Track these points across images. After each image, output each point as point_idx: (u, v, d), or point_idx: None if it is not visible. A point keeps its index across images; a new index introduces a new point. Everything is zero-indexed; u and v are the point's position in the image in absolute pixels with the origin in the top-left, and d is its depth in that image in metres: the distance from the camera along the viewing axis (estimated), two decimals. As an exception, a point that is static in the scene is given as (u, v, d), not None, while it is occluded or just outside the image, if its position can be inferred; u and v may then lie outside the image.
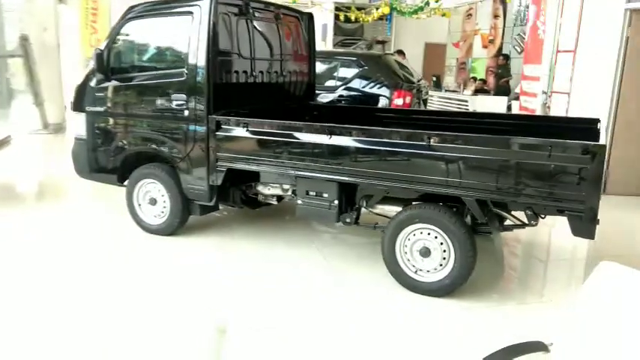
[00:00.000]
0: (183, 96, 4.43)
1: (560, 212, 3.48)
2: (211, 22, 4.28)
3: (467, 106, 12.74)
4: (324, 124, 4.03)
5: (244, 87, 4.76)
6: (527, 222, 3.66)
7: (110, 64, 4.80)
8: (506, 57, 14.33)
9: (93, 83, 4.93)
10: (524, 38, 14.87)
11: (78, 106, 5.09)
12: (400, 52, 11.73)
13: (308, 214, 4.30)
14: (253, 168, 4.33)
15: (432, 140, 3.56)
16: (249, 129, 4.24)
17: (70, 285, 3.85)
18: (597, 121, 4.70)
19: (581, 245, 4.68)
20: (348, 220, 4.17)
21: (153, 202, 4.84)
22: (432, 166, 3.58)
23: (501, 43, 16.04)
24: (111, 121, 4.91)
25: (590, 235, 3.24)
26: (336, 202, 4.07)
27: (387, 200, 4.12)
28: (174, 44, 4.58)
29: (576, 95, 7.47)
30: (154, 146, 4.72)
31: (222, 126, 4.35)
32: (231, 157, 4.35)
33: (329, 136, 3.92)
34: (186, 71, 4.41)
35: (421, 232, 3.75)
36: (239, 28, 4.64)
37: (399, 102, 7.60)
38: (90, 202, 6.21)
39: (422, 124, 5.11)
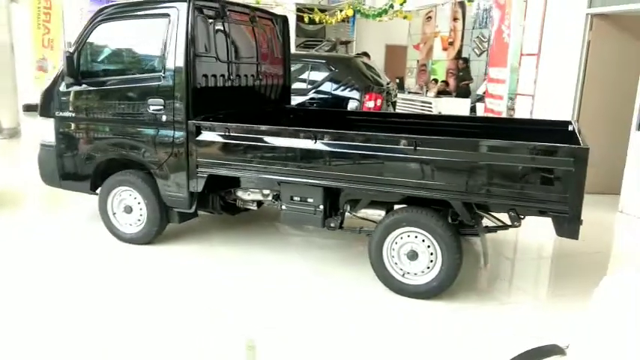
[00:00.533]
0: (161, 100, 4.32)
1: (541, 213, 3.58)
2: (189, 25, 4.19)
3: (431, 107, 12.97)
4: (310, 128, 3.99)
5: (221, 91, 4.68)
6: (510, 223, 3.73)
7: (80, 67, 4.62)
8: (466, 60, 14.67)
9: (62, 87, 4.74)
10: (483, 41, 15.31)
11: (45, 111, 4.89)
12: (366, 54, 11.80)
13: (293, 219, 4.26)
14: (236, 174, 4.27)
15: (417, 144, 3.58)
16: (232, 134, 4.16)
17: (45, 305, 3.65)
18: (568, 123, 4.84)
19: (558, 243, 4.83)
20: (332, 225, 4.14)
21: (128, 210, 4.69)
22: (418, 170, 3.61)
23: (461, 46, 16.40)
24: (82, 126, 4.73)
25: (574, 235, 3.33)
26: (322, 207, 4.06)
27: (369, 204, 4.14)
28: (150, 47, 4.45)
29: (540, 98, 7.71)
30: (129, 152, 4.57)
31: (203, 131, 4.25)
32: (212, 162, 4.26)
33: (314, 141, 3.89)
34: (163, 75, 4.29)
35: (408, 236, 3.77)
36: (216, 31, 4.55)
37: (370, 104, 7.64)
38: (55, 209, 5.97)
39: (397, 128, 5.12)
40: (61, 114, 4.78)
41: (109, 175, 4.78)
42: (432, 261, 3.72)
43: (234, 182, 4.56)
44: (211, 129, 4.25)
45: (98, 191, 4.86)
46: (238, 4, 4.96)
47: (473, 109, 11.07)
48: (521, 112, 7.99)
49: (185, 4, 4.18)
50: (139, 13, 4.50)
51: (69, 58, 4.51)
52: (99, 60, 4.66)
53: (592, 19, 6.92)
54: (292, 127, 5.39)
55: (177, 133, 4.31)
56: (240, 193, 4.66)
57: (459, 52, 16.48)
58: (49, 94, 4.84)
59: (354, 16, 14.66)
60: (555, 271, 4.66)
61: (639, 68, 6.70)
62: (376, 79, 8.21)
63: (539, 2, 7.57)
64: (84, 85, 4.65)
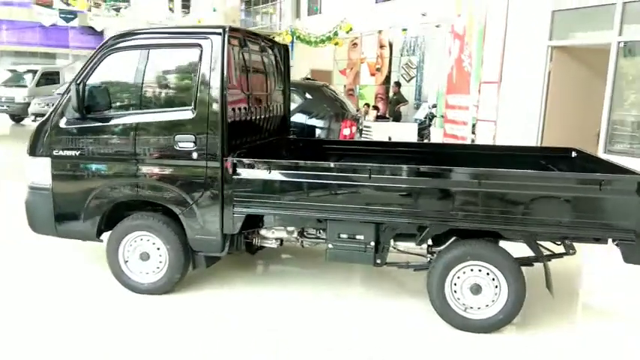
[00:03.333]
0: (191, 137, 3.96)
1: (596, 240, 3.72)
2: (224, 57, 3.91)
3: (370, 132, 13.21)
4: (364, 163, 3.86)
5: (243, 124, 4.41)
6: (565, 251, 3.82)
7: (86, 100, 4.12)
8: (399, 84, 15.18)
9: (63, 123, 4.20)
10: (411, 67, 16.00)
11: (37, 149, 4.30)
12: (308, 79, 11.78)
13: (341, 257, 4.07)
14: (276, 212, 4.01)
15: (481, 178, 3.59)
16: (276, 171, 3.91)
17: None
18: (571, 150, 5.10)
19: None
20: (379, 262, 4.02)
21: (145, 257, 4.23)
22: (485, 203, 3.61)
23: (389, 72, 17.01)
24: (88, 166, 4.21)
25: None
26: (372, 243, 3.92)
27: (408, 236, 4.07)
28: (177, 79, 4.09)
29: (502, 123, 8.14)
30: (148, 194, 4.14)
31: (239, 168, 3.96)
32: (250, 201, 3.97)
33: (369, 176, 3.76)
34: (194, 109, 3.95)
35: (472, 270, 3.74)
36: (239, 62, 4.30)
37: (346, 132, 7.60)
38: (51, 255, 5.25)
39: (420, 158, 5.12)
40: (60, 153, 4.23)
41: (115, 218, 4.30)
42: (496, 294, 3.72)
43: (259, 220, 4.29)
44: (250, 166, 3.97)
45: (103, 237, 4.35)
46: (253, 33, 4.73)
47: (422, 133, 11.42)
48: (483, 137, 8.38)
49: (219, 36, 3.91)
50: (162, 42, 4.11)
51: (77, 91, 4.01)
52: (110, 93, 4.17)
53: (552, 50, 7.47)
54: (303, 159, 5.30)
55: (211, 171, 3.97)
56: (264, 232, 4.38)
57: (387, 77, 17.08)
58: (43, 130, 4.27)
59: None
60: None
61: (597, 97, 7.32)
62: (344, 106, 8.21)
63: (498, 33, 8.04)
64: (90, 121, 4.15)
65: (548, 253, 3.99)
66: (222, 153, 3.95)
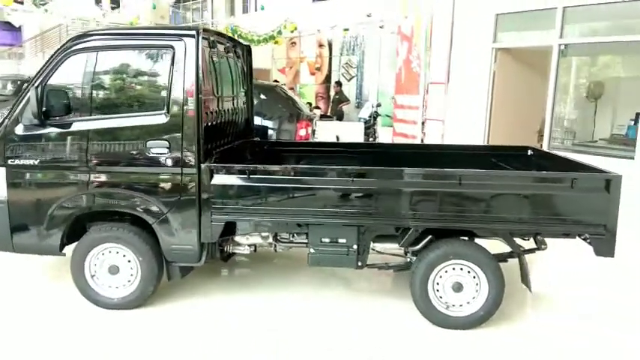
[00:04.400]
0: (165, 142, 3.78)
1: (565, 235, 3.92)
2: (199, 59, 3.76)
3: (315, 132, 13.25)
4: (346, 166, 3.85)
5: (213, 128, 4.27)
6: (537, 247, 3.99)
7: (44, 105, 3.83)
8: (340, 84, 15.31)
9: (19, 130, 3.88)
10: (351, 67, 16.19)
11: (-14, 159, 3.96)
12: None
13: (323, 261, 4.04)
14: (257, 219, 3.91)
15: (461, 179, 3.68)
16: (255, 176, 3.82)
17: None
18: (527, 148, 5.34)
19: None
20: (360, 264, 4.02)
21: (114, 270, 4.00)
22: (469, 204, 3.70)
23: (329, 71, 17.13)
24: (49, 175, 3.92)
25: (611, 253, 3.69)
26: (355, 246, 3.92)
27: (385, 238, 4.11)
28: (147, 83, 3.90)
29: (450, 122, 8.40)
30: (117, 204, 3.91)
31: (217, 174, 3.83)
32: (229, 209, 3.85)
33: (351, 179, 3.76)
34: (167, 113, 3.78)
35: (453, 268, 3.83)
36: (209, 64, 4.16)
37: (302, 133, 7.57)
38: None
39: (385, 159, 5.16)
40: (15, 162, 3.91)
41: (77, 230, 4.04)
42: (477, 291, 3.82)
43: (233, 227, 4.17)
44: (228, 171, 3.85)
45: (65, 251, 4.07)
46: (219, 33, 4.58)
47: (367, 132, 11.56)
48: (432, 136, 8.62)
49: (193, 38, 3.75)
50: (130, 43, 3.89)
51: (36, 95, 3.71)
52: (71, 97, 3.90)
53: (496, 52, 7.78)
54: (270, 162, 5.23)
55: (186, 178, 3.81)
56: (238, 238, 4.27)
57: (327, 77, 17.20)
58: (-6, 138, 3.94)
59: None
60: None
61: (537, 96, 7.71)
62: (298, 106, 8.17)
63: (444, 35, 8.28)
64: (50, 127, 3.86)
65: (521, 248, 4.16)
66: (199, 159, 3.81)
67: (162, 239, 3.91)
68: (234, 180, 3.84)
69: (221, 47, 4.52)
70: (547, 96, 7.30)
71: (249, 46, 5.38)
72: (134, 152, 3.83)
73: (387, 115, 12.53)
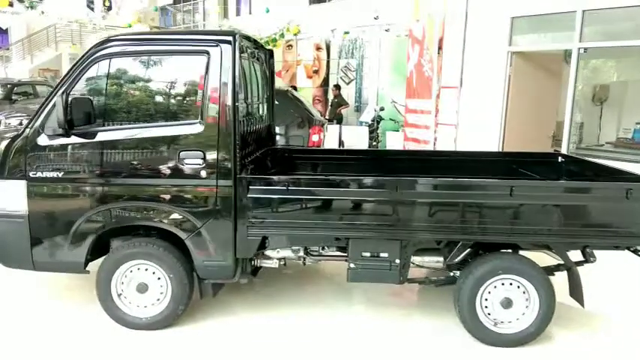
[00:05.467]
0: (199, 153, 3.57)
1: (616, 248, 3.77)
2: (236, 66, 3.56)
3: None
4: (389, 177, 3.67)
5: (245, 137, 4.07)
6: (586, 259, 3.84)
7: (70, 114, 3.59)
8: (339, 87, 15.13)
9: (41, 140, 3.65)
10: (350, 70, 16.03)
11: (6, 171, 3.70)
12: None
13: (364, 277, 3.84)
14: (296, 233, 3.72)
15: (513, 190, 3.52)
16: (295, 187, 3.62)
17: None
18: (557, 154, 5.22)
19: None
20: (401, 279, 3.85)
21: (143, 288, 3.78)
22: (521, 215, 3.55)
23: (327, 74, 16.95)
24: (74, 189, 3.67)
25: None
26: (398, 260, 3.74)
27: (424, 251, 3.94)
28: (180, 90, 3.68)
29: (464, 127, 8.27)
30: (148, 218, 3.69)
31: (253, 186, 3.63)
32: (266, 222, 3.65)
33: (397, 190, 3.58)
34: (202, 122, 3.57)
35: (502, 284, 3.67)
36: (242, 70, 3.96)
37: (315, 138, 7.39)
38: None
39: (414, 167, 5.00)
40: (38, 174, 3.66)
41: (100, 246, 3.82)
42: (527, 307, 3.66)
43: (265, 240, 3.97)
44: (266, 183, 3.65)
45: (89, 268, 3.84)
46: (247, 37, 4.38)
47: (372, 136, 11.40)
48: (444, 141, 8.48)
49: (230, 44, 3.56)
50: (163, 48, 3.68)
51: (62, 103, 3.48)
52: (98, 106, 3.67)
53: (512, 56, 7.66)
54: (296, 170, 5.04)
55: (222, 191, 3.61)
56: (269, 252, 4.07)
57: (325, 80, 17.02)
58: (14, 150, 3.68)
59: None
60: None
61: (551, 99, 7.61)
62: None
63: (457, 39, 8.15)
64: (75, 137, 3.63)
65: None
66: (235, 170, 3.60)
67: (195, 255, 3.70)
68: (272, 192, 3.65)
69: (248, 51, 4.32)
70: (565, 99, 7.19)
71: (271, 50, 5.18)
72: (166, 163, 3.61)
73: (391, 119, 12.40)
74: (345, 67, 16.11)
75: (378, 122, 12.24)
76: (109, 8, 20.10)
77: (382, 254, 3.74)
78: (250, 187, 3.62)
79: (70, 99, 3.55)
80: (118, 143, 3.63)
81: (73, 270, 3.85)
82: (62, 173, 3.66)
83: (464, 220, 3.58)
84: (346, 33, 14.64)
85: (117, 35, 3.75)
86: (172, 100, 3.73)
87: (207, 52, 3.56)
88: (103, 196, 3.66)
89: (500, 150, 7.79)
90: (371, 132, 11.99)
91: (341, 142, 10.76)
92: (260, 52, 4.81)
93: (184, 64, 3.66)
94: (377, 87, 15.01)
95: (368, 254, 3.75)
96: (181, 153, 3.58)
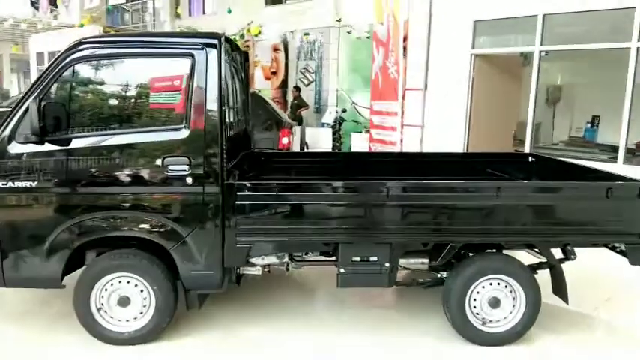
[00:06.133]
0: (184, 159, 3.44)
1: (593, 245, 3.90)
2: (222, 69, 3.46)
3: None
4: (381, 180, 3.66)
5: (228, 141, 3.95)
6: (566, 257, 3.94)
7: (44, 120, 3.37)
8: (298, 89, 15.07)
9: (13, 148, 3.42)
10: (310, 71, 16.00)
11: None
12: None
13: (354, 282, 3.80)
14: (285, 239, 3.65)
15: (500, 191, 3.58)
16: (284, 193, 3.55)
17: None
18: (527, 155, 5.36)
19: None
20: (390, 282, 3.83)
21: (125, 302, 3.61)
22: (504, 216, 3.61)
23: (285, 75, 16.84)
24: (50, 199, 3.47)
25: None
26: (388, 264, 3.73)
27: (412, 253, 3.97)
28: (162, 95, 3.54)
29: (429, 128, 8.39)
30: (129, 229, 3.52)
31: (241, 192, 3.53)
32: (256, 229, 3.57)
33: (386, 194, 3.57)
34: (187, 128, 3.44)
35: (490, 284, 3.72)
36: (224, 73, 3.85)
37: (285, 141, 7.31)
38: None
39: (388, 169, 5.03)
40: (8, 184, 3.44)
41: (75, 259, 3.63)
42: (514, 305, 3.73)
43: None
44: (254, 189, 3.56)
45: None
46: (228, 39, 4.26)
47: (335, 137, 11.40)
48: (410, 142, 8.57)
49: (215, 47, 3.46)
50: (144, 51, 3.51)
51: (37, 108, 3.27)
52: (74, 111, 3.48)
53: (475, 58, 7.84)
54: (275, 174, 4.96)
55: (209, 198, 3.49)
56: (253, 259, 3.98)
57: (284, 81, 16.91)
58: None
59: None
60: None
61: (512, 100, 7.84)
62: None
63: (421, 41, 8.26)
64: (48, 144, 3.42)
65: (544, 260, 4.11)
66: (222, 176, 3.49)
67: (180, 265, 3.56)
68: (261, 198, 3.56)
69: (228, 54, 4.21)
70: (528, 100, 7.42)
71: (246, 52, 5.08)
72: (149, 171, 3.47)
73: (354, 121, 12.45)
74: (304, 68, 16.06)
75: (340, 124, 12.27)
76: (54, 7, 19.25)
77: (372, 258, 3.72)
78: (238, 193, 3.52)
79: (42, 104, 3.35)
80: (96, 150, 3.46)
81: (48, 285, 3.64)
82: (35, 183, 3.44)
83: (454, 222, 3.61)
84: (306, 34, 14.59)
85: (92, 37, 3.58)
86: (156, 105, 3.58)
87: (192, 55, 3.44)
88: (81, 207, 3.47)
89: (465, 150, 7.96)
90: (333, 134, 12.01)
91: (304, 144, 10.73)
92: (236, 54, 4.70)
93: (166, 67, 3.52)
94: (337, 88, 15.05)
95: (358, 259, 3.71)
96: (165, 159, 3.44)
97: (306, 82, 16.03)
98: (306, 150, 9.80)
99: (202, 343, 3.75)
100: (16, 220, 3.50)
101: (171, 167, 3.44)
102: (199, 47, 3.44)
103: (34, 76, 21.21)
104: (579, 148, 10.06)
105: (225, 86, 3.61)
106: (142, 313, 3.63)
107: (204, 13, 21.22)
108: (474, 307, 3.74)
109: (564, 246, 3.88)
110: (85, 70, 3.49)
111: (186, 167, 3.44)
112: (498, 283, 3.72)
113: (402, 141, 8.64)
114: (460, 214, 3.62)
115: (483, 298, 3.73)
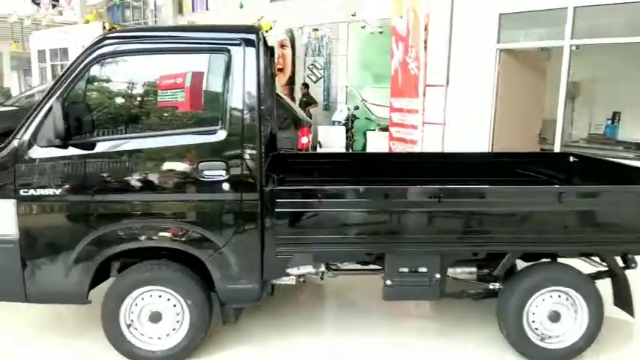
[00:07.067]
0: (221, 163, 3.16)
1: None
2: (260, 65, 3.18)
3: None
4: (430, 185, 3.38)
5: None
6: (627, 265, 3.66)
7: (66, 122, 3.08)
8: (307, 86, 14.78)
9: (35, 153, 3.13)
10: (318, 68, 15.70)
11: (-10, 188, 3.18)
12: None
13: (402, 295, 3.54)
14: (329, 249, 3.37)
15: (563, 196, 3.31)
16: (331, 200, 3.28)
17: None
18: (567, 154, 5.07)
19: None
20: (440, 294, 3.56)
21: (156, 317, 3.33)
22: (570, 223, 3.34)
23: (293, 72, 16.53)
24: (76, 207, 3.18)
25: None
26: (438, 275, 3.45)
27: (459, 262, 3.69)
28: (195, 93, 3.24)
29: (451, 126, 8.11)
30: (163, 237, 3.24)
31: (282, 199, 3.25)
32: (297, 238, 3.29)
33: (437, 200, 3.30)
34: (224, 129, 3.16)
35: (551, 296, 3.44)
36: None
37: (304, 140, 7.03)
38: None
39: (420, 170, 4.74)
40: (30, 192, 3.15)
41: (101, 272, 3.35)
42: (575, 319, 3.46)
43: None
44: (296, 195, 3.29)
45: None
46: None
47: (348, 135, 11.10)
48: (431, 140, 8.29)
49: (254, 41, 3.17)
50: (175, 46, 3.22)
51: (61, 109, 2.99)
52: (100, 111, 3.21)
53: (500, 53, 7.55)
54: (311, 178, 4.70)
55: (247, 205, 3.21)
56: (289, 269, 3.71)
57: (291, 78, 16.61)
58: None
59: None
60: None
61: (537, 97, 7.55)
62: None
63: (443, 36, 7.97)
64: (73, 148, 3.13)
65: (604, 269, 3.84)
66: (261, 181, 3.21)
67: (216, 278, 3.28)
68: (303, 205, 3.29)
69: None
70: (552, 97, 7.13)
71: (272, 48, 4.78)
72: (182, 176, 3.18)
73: (367, 118, 12.17)
74: (312, 64, 15.75)
75: (352, 121, 11.97)
76: (55, 4, 18.92)
77: (421, 269, 3.45)
78: (278, 199, 3.24)
79: (67, 105, 3.06)
80: (125, 154, 3.17)
81: (73, 301, 3.36)
82: (60, 190, 3.15)
83: (513, 230, 3.33)
84: (315, 30, 14.28)
85: (116, 32, 3.30)
86: (188, 105, 3.29)
87: (228, 51, 3.15)
88: (110, 215, 3.19)
89: (490, 149, 7.68)
90: (346, 132, 11.70)
91: (317, 143, 10.43)
92: (266, 48, 4.41)
93: (202, 64, 3.22)
94: (346, 85, 14.76)
95: (406, 270, 3.44)
96: (200, 164, 3.16)
97: (314, 78, 15.73)
98: (319, 149, 9.50)
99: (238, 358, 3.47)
100: (38, 231, 3.22)
101: (206, 172, 3.16)
102: (237, 42, 3.15)
103: (35, 74, 20.90)
104: (601, 145, 9.79)
105: (263, 84, 3.34)
106: (174, 329, 3.35)
107: (207, 9, 20.89)
108: (533, 321, 3.46)
109: (624, 254, 3.61)
110: (110, 68, 3.20)
111: (222, 172, 3.16)
112: (559, 296, 3.45)
113: (422, 139, 8.35)
114: (520, 221, 3.34)
115: (543, 312, 3.45)
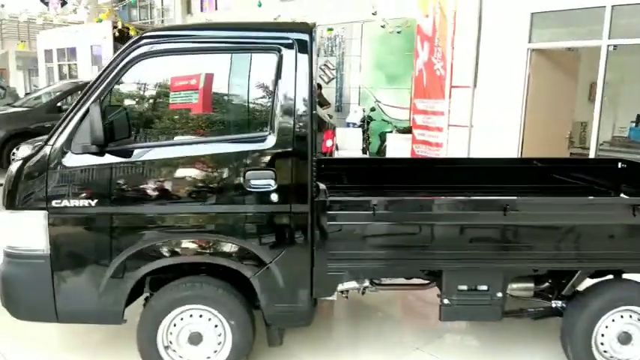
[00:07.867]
0: (270, 172, 2.91)
1: None
2: (312, 66, 2.93)
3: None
4: (499, 197, 3.13)
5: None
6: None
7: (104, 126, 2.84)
8: (320, 86, 14.52)
9: (69, 160, 2.89)
10: (330, 68, 15.45)
11: (19, 200, 2.93)
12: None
13: (461, 315, 3.30)
14: (383, 266, 3.13)
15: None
16: (388, 212, 3.03)
17: None
18: (615, 160, 4.81)
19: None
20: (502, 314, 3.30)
21: (197, 339, 3.08)
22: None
23: (304, 72, 16.27)
24: (113, 220, 2.94)
25: None
26: (500, 294, 3.19)
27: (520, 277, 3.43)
28: (242, 96, 3.00)
29: (479, 128, 7.84)
30: (207, 253, 3.00)
31: (332, 211, 3.00)
32: (350, 255, 3.04)
33: (503, 212, 3.04)
34: (273, 135, 2.91)
35: (621, 316, 3.19)
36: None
37: (329, 143, 6.79)
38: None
39: (459, 177, 4.49)
40: (63, 203, 2.90)
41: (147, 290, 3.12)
42: (643, 341, 3.21)
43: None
44: (350, 207, 3.04)
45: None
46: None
47: (363, 137, 10.82)
48: (456, 143, 8.03)
49: (306, 40, 2.91)
50: (221, 45, 2.96)
51: (99, 113, 2.74)
52: (139, 116, 2.97)
53: (531, 53, 7.28)
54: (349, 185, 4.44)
55: (297, 218, 2.96)
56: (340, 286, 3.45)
57: (303, 78, 16.34)
58: (30, 173, 2.90)
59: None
60: None
61: (568, 99, 7.29)
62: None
63: (470, 36, 7.71)
64: (110, 155, 2.88)
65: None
66: (311, 192, 2.96)
67: (263, 296, 3.03)
68: (356, 217, 3.03)
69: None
70: (595, 99, 6.87)
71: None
72: (227, 186, 2.93)
73: (384, 120, 11.92)
74: (325, 65, 15.50)
75: (368, 123, 11.71)
76: (64, 3, 18.72)
77: (481, 287, 3.19)
78: (330, 211, 2.99)
79: (104, 109, 2.82)
80: (167, 163, 2.92)
81: (107, 320, 3.11)
82: (96, 201, 2.91)
83: (585, 245, 3.08)
84: (330, 30, 14.03)
85: (154, 30, 3.04)
86: (234, 109, 3.05)
87: (279, 50, 2.90)
88: (148, 228, 2.94)
89: (520, 154, 7.41)
90: (363, 133, 11.43)
91: (335, 146, 10.17)
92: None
93: (248, 64, 2.97)
94: (359, 86, 14.50)
95: (465, 288, 3.19)
96: (247, 173, 2.91)
97: (326, 79, 15.47)
98: (336, 153, 9.22)
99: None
100: (71, 245, 2.97)
101: (253, 182, 2.91)
102: (288, 41, 2.90)
103: (41, 74, 20.69)
104: (625, 149, 9.55)
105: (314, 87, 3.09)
106: (215, 351, 3.10)
107: (216, 8, 20.64)
108: (602, 343, 3.20)
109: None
110: (149, 69, 2.94)
111: (271, 182, 2.91)
112: (630, 316, 3.19)
113: (447, 142, 8.10)
114: (593, 235, 3.08)
115: (612, 334, 3.20)
